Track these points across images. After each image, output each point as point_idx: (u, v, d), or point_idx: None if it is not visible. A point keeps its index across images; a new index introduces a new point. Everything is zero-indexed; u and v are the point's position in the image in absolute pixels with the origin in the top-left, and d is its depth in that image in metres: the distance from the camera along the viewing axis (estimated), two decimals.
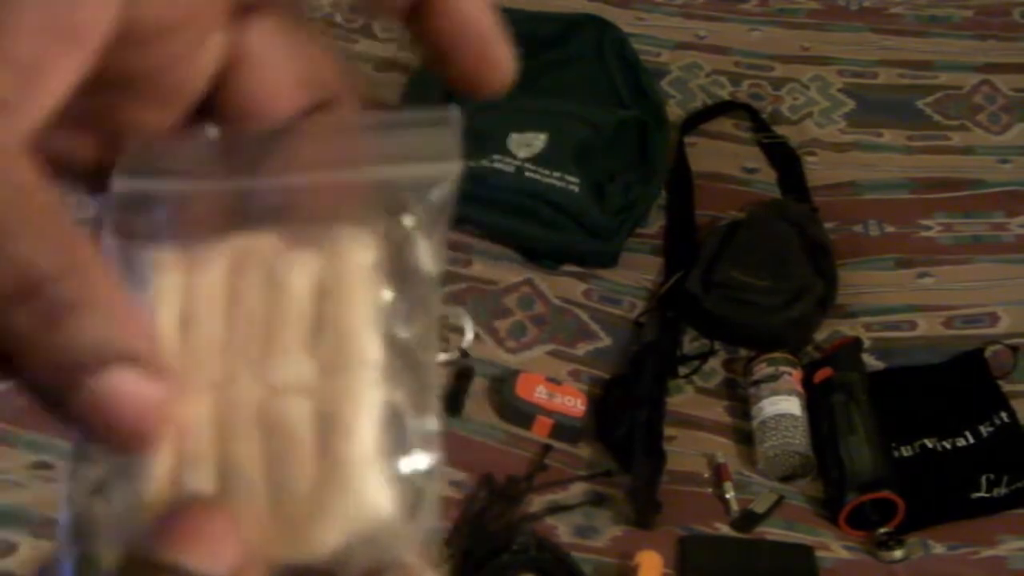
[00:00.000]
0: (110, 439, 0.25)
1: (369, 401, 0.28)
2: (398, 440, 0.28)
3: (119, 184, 0.29)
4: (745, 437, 1.36)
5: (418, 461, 0.28)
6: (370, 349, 0.28)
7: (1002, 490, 1.29)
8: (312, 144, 0.31)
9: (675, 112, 1.78)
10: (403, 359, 0.29)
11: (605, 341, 1.47)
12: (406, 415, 0.28)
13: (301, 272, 0.29)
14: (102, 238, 0.29)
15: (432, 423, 0.29)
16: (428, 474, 0.28)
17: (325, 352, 0.28)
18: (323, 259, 0.29)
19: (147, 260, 0.29)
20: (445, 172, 0.30)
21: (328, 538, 0.27)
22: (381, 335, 0.29)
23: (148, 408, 0.25)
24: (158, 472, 0.27)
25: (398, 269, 0.30)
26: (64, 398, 0.25)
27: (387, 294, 0.29)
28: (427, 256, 0.30)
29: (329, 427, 0.27)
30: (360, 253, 0.29)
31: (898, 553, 1.22)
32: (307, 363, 0.28)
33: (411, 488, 0.28)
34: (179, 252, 0.29)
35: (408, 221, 0.30)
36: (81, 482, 0.28)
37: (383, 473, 0.28)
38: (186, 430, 0.27)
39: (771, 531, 1.27)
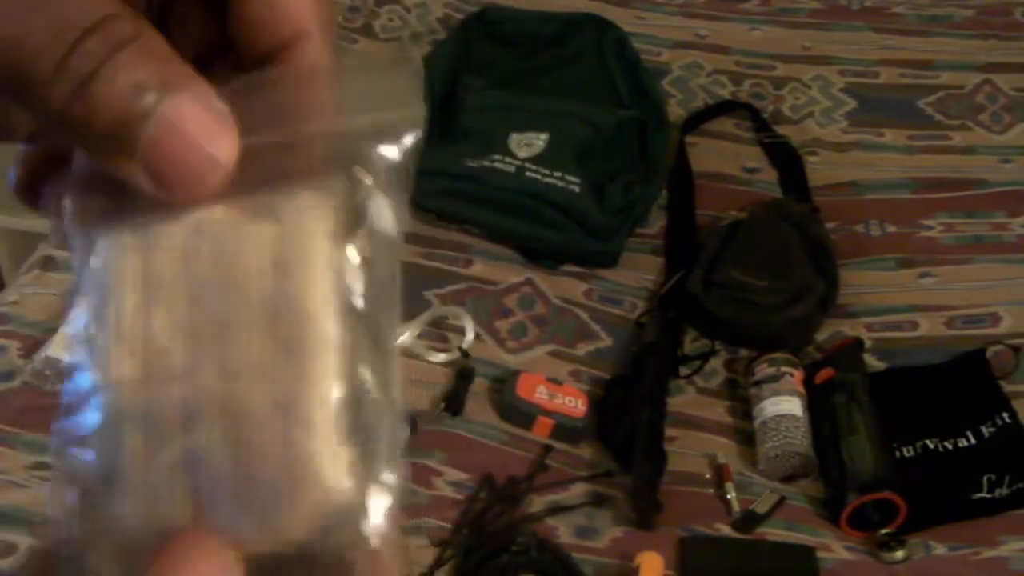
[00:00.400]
0: (183, 172, 0.25)
1: (328, 386, 0.27)
2: (361, 422, 0.27)
3: (78, 162, 0.28)
4: (746, 438, 1.36)
5: (382, 444, 0.27)
6: (329, 329, 0.27)
7: (1003, 491, 1.28)
8: (258, 95, 0.28)
9: (676, 112, 1.77)
10: (365, 332, 0.27)
11: (606, 341, 1.47)
12: (369, 394, 0.27)
13: (257, 247, 0.27)
14: (55, 222, 0.28)
15: (396, 401, 0.28)
16: (391, 456, 0.27)
17: (284, 333, 0.27)
18: (279, 231, 0.27)
19: (103, 244, 0.28)
20: (406, 120, 0.28)
21: (294, 529, 0.27)
22: (341, 311, 0.27)
23: (213, 132, 0.25)
24: (133, 480, 0.27)
25: (358, 232, 0.28)
26: (130, 135, 0.25)
27: (347, 264, 0.27)
28: (388, 216, 0.28)
29: (289, 416, 0.27)
30: (317, 222, 0.27)
31: (899, 554, 1.22)
32: (266, 347, 0.27)
33: (375, 471, 0.27)
34: (134, 233, 0.28)
35: (365, 178, 0.28)
36: (58, 493, 0.27)
37: (345, 460, 0.27)
38: (156, 422, 0.27)
39: (772, 532, 1.26)
